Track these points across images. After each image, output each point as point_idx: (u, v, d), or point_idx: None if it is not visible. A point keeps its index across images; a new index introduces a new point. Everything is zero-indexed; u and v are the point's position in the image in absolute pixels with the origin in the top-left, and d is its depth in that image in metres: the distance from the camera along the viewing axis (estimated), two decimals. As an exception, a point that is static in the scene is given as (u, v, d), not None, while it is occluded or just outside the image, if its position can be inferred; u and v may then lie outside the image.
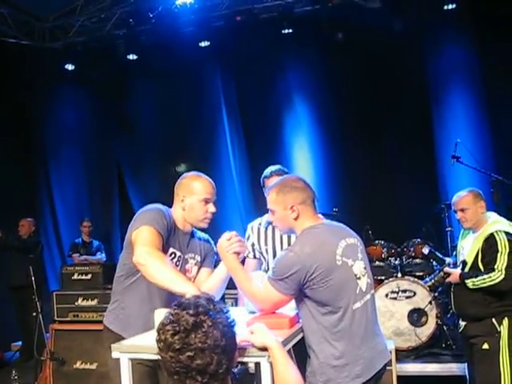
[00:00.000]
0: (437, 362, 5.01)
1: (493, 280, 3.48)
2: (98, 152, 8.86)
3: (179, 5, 7.16)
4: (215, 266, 2.95)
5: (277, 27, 7.47)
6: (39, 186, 8.70)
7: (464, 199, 3.70)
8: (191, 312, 1.55)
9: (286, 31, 7.45)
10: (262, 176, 3.57)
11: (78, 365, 5.24)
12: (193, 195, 2.82)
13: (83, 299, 5.42)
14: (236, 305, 3.59)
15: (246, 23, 7.52)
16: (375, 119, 7.40)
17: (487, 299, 3.55)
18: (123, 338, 2.74)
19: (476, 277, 3.56)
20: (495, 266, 3.49)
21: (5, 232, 6.66)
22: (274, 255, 3.48)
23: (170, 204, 2.89)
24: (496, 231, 3.55)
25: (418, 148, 7.22)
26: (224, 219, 6.67)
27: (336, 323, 2.40)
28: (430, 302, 5.23)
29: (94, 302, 5.36)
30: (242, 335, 2.04)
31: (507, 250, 3.48)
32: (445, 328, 5.32)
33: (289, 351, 2.27)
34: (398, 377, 4.52)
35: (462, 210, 3.68)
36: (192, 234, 2.96)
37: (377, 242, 5.91)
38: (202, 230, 3.02)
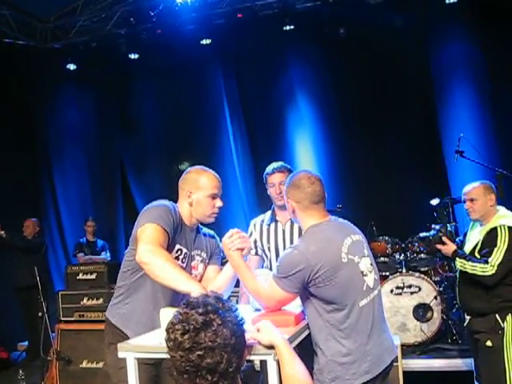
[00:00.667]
0: (443, 358, 5.00)
1: (483, 272, 3.47)
2: (101, 151, 8.87)
3: (180, 3, 7.14)
4: (223, 264, 2.93)
5: (278, 24, 7.46)
6: (43, 186, 8.71)
7: (475, 190, 3.68)
8: (200, 311, 1.55)
9: (288, 28, 7.43)
10: (265, 173, 3.56)
11: (84, 364, 5.26)
12: (199, 190, 2.78)
13: (88, 299, 5.43)
14: (238, 302, 3.57)
15: (247, 20, 7.51)
16: (378, 115, 7.37)
17: (488, 294, 3.53)
18: (124, 334, 2.74)
19: (468, 260, 3.55)
20: (489, 260, 3.47)
21: (9, 233, 6.67)
22: (277, 253, 3.47)
23: (174, 201, 2.87)
24: (500, 225, 3.52)
25: (421, 143, 7.20)
26: (228, 216, 6.66)
27: (343, 320, 2.40)
28: (435, 297, 5.22)
29: (100, 301, 5.38)
30: (248, 333, 2.04)
31: (505, 247, 3.45)
32: (450, 323, 5.31)
33: (295, 348, 2.26)
34: (404, 372, 4.51)
35: (471, 201, 3.66)
36: (198, 230, 2.93)
37: (381, 237, 5.89)
38: (206, 226, 3.01)
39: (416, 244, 5.70)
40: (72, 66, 8.26)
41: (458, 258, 3.62)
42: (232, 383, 1.55)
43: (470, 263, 3.53)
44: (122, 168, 8.95)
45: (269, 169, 3.54)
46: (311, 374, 2.34)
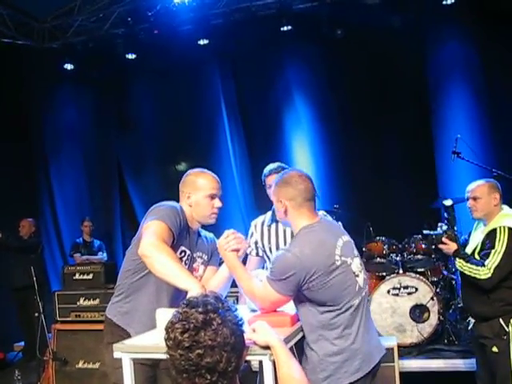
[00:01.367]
0: (439, 358, 5.00)
1: (479, 275, 3.41)
2: (98, 151, 8.86)
3: (177, 3, 7.14)
4: (220, 265, 2.95)
5: (276, 24, 7.45)
6: (40, 186, 8.70)
7: (478, 188, 3.61)
8: (200, 310, 1.55)
9: (285, 28, 7.42)
10: (263, 174, 3.57)
11: (80, 364, 5.25)
12: (198, 192, 2.82)
13: (85, 299, 5.42)
14: (237, 302, 3.58)
15: (245, 21, 7.51)
16: (376, 116, 7.38)
17: (490, 298, 3.48)
18: (126, 332, 2.74)
19: (467, 262, 3.49)
20: (485, 263, 3.41)
21: (5, 233, 6.66)
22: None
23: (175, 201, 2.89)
24: (500, 226, 3.45)
25: (418, 144, 7.21)
26: (225, 217, 6.61)
27: (335, 321, 2.41)
28: (432, 298, 5.22)
29: (96, 302, 5.37)
30: (244, 333, 2.04)
31: (503, 250, 3.38)
32: (447, 324, 5.32)
33: (291, 349, 2.27)
34: (401, 373, 4.52)
35: (474, 199, 3.59)
36: (199, 233, 2.97)
37: (378, 238, 5.89)
38: (204, 227, 3.02)
39: (413, 245, 5.70)
40: (69, 66, 8.25)
41: (458, 258, 3.56)
42: (231, 383, 1.55)
43: (468, 265, 3.48)
44: (119, 168, 8.94)
45: (266, 170, 3.54)
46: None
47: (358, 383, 2.43)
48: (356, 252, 2.57)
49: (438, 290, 5.42)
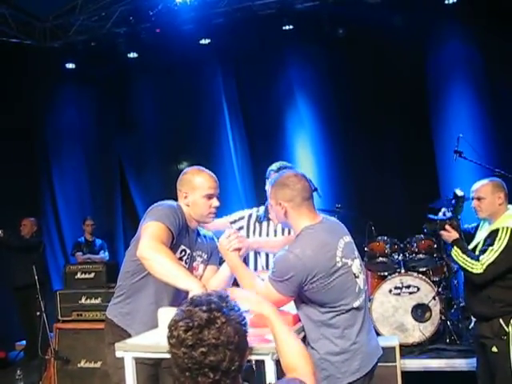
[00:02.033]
0: (441, 358, 5.00)
1: (472, 269, 3.42)
2: (99, 150, 8.87)
3: (179, 2, 7.14)
4: (220, 264, 2.94)
5: (277, 23, 7.45)
6: (41, 185, 8.70)
7: (482, 188, 3.57)
8: (204, 308, 1.55)
9: (287, 27, 7.42)
10: (270, 169, 3.53)
11: (82, 364, 5.25)
12: (195, 191, 2.79)
13: (86, 298, 5.42)
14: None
15: (247, 20, 7.51)
16: (377, 114, 7.37)
17: (491, 298, 3.47)
18: (127, 333, 2.74)
19: (464, 253, 3.49)
20: (480, 258, 3.41)
21: (7, 232, 6.66)
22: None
23: (174, 201, 2.88)
24: (503, 227, 3.44)
25: (420, 143, 7.20)
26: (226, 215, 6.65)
27: (336, 321, 2.41)
28: (434, 298, 5.22)
29: (98, 301, 5.37)
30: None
31: (500, 248, 3.37)
32: (449, 323, 5.31)
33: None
34: (403, 372, 4.52)
35: (478, 199, 3.56)
36: (198, 232, 2.96)
37: (379, 237, 5.88)
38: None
39: (415, 244, 5.69)
40: (71, 65, 8.26)
41: (455, 247, 3.54)
42: (233, 382, 1.55)
43: (464, 256, 3.47)
44: (121, 167, 8.94)
45: (276, 166, 3.49)
46: None
47: (356, 383, 2.43)
48: (356, 253, 2.57)
49: (439, 289, 5.40)
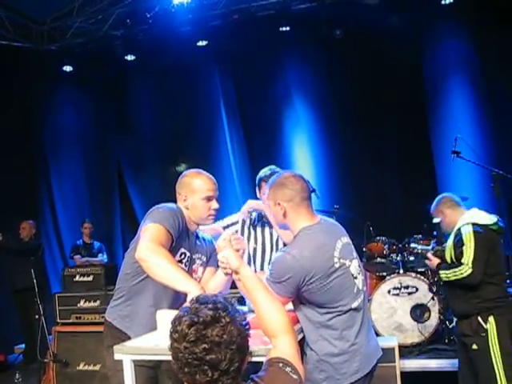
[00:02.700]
0: (440, 358, 4.99)
1: (462, 274, 3.53)
2: (97, 153, 8.86)
3: (176, 4, 7.14)
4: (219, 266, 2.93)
5: (274, 25, 7.45)
6: (40, 188, 8.68)
7: (436, 209, 3.89)
8: (210, 306, 1.56)
9: (284, 29, 7.43)
10: (259, 176, 3.53)
11: (81, 366, 5.25)
12: (194, 194, 2.79)
13: (85, 301, 5.42)
14: (242, 304, 3.55)
15: (244, 21, 7.51)
16: (375, 115, 7.38)
17: (466, 294, 3.58)
18: (126, 335, 2.74)
19: (448, 269, 3.64)
20: (462, 260, 3.54)
21: (5, 235, 6.65)
22: (263, 255, 3.43)
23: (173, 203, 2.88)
24: (462, 225, 3.64)
25: (417, 143, 7.21)
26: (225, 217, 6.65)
27: (335, 322, 2.41)
28: (433, 298, 5.22)
29: (96, 304, 5.37)
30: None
31: (472, 243, 3.53)
32: (447, 323, 5.31)
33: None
34: (402, 373, 4.52)
35: (439, 217, 3.87)
36: (197, 235, 2.96)
37: (378, 238, 5.89)
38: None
39: (413, 244, 5.70)
40: (68, 68, 8.25)
41: (441, 271, 3.73)
42: (232, 383, 1.55)
43: (451, 271, 3.61)
44: (119, 169, 8.93)
45: (264, 173, 3.48)
46: None
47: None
48: (355, 254, 2.57)
49: (438, 289, 5.40)
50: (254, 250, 3.47)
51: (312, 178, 6.35)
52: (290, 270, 2.33)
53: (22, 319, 6.79)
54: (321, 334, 2.42)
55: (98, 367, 5.15)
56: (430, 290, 5.23)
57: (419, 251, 4.22)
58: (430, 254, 3.91)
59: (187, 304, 1.63)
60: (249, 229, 3.48)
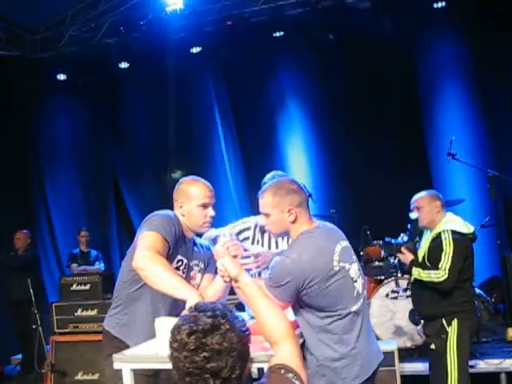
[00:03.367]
0: (440, 361, 4.99)
1: (437, 278, 3.55)
2: (92, 161, 8.84)
3: (169, 11, 7.14)
4: (217, 273, 2.92)
5: (268, 30, 7.47)
6: (35, 197, 8.65)
7: (420, 199, 3.84)
8: (209, 314, 1.55)
9: (278, 34, 7.45)
10: (264, 182, 3.48)
11: (79, 376, 5.22)
12: (190, 201, 2.78)
13: (83, 309, 5.40)
14: (241, 310, 3.52)
15: (237, 27, 7.51)
16: (370, 119, 7.39)
17: (434, 298, 3.63)
18: (125, 344, 2.72)
19: (423, 269, 3.65)
20: (439, 265, 3.56)
21: (3, 252, 6.60)
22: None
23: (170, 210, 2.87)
24: (443, 230, 3.64)
25: (413, 147, 7.23)
26: (220, 223, 6.63)
27: (334, 326, 2.40)
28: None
29: (94, 312, 5.35)
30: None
31: (451, 250, 3.56)
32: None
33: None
34: (402, 376, 4.51)
35: (418, 209, 3.81)
36: (194, 241, 2.94)
37: (375, 241, 5.89)
38: (200, 234, 3.00)
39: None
40: (62, 77, 8.23)
41: (414, 267, 3.73)
42: None
43: (425, 271, 3.63)
44: (115, 177, 8.92)
45: (269, 179, 3.36)
46: None
47: None
48: (354, 257, 2.56)
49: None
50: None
51: (308, 183, 6.33)
52: (289, 274, 2.33)
53: (19, 329, 6.74)
54: (320, 339, 2.41)
55: (96, 376, 5.12)
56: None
57: (393, 245, 4.18)
58: (404, 249, 3.89)
59: (186, 312, 1.62)
60: (258, 234, 3.40)
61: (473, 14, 6.81)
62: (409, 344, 5.24)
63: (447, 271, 3.52)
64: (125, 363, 2.37)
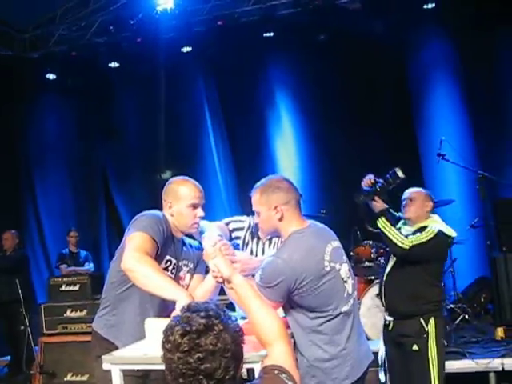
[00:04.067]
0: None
1: (400, 242, 3.42)
2: (82, 161, 8.79)
3: (160, 11, 7.12)
4: (207, 273, 2.91)
5: (258, 30, 7.47)
6: (24, 197, 8.60)
7: (416, 192, 3.76)
8: (202, 314, 1.53)
9: (268, 34, 7.45)
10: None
11: (68, 377, 5.18)
12: (180, 201, 2.77)
13: (72, 310, 5.36)
14: (232, 310, 3.49)
15: (228, 27, 7.51)
16: (360, 119, 7.41)
17: (417, 295, 3.53)
18: (114, 345, 2.71)
19: (392, 226, 3.49)
20: (409, 237, 3.47)
21: None
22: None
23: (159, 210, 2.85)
24: (431, 225, 3.58)
25: (403, 147, 7.24)
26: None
27: (325, 327, 2.40)
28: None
29: (83, 313, 5.31)
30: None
31: (427, 239, 3.47)
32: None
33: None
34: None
35: (410, 199, 3.71)
36: (183, 241, 2.93)
37: (365, 242, 5.89)
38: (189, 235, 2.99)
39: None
40: (51, 76, 8.18)
41: (383, 217, 3.51)
42: None
43: (392, 229, 3.47)
44: (104, 177, 8.88)
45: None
46: None
47: None
48: (345, 258, 2.56)
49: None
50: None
51: (297, 182, 6.28)
52: (281, 274, 2.32)
53: (7, 331, 6.68)
54: (311, 339, 2.41)
55: (85, 377, 5.09)
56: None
57: (366, 193, 3.77)
58: (378, 198, 3.59)
59: (178, 313, 1.60)
60: (248, 237, 3.34)
61: (462, 14, 6.85)
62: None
63: (411, 245, 3.41)
64: (114, 364, 2.36)
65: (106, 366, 2.36)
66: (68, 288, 5.57)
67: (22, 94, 8.19)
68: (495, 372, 4.56)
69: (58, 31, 8.00)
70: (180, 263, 2.87)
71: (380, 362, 4.13)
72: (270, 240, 3.12)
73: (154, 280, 2.46)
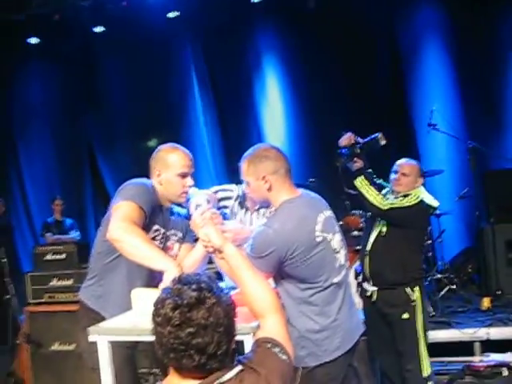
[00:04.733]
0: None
1: (376, 200, 3.41)
2: (67, 128, 8.63)
3: (146, -27, 6.92)
4: (195, 242, 2.86)
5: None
6: (8, 166, 8.48)
7: (410, 167, 3.72)
8: (194, 287, 1.48)
9: (256, 0, 7.28)
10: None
11: (55, 346, 5.14)
12: (169, 169, 2.69)
13: (58, 279, 5.30)
14: (220, 279, 3.44)
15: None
16: (348, 87, 7.33)
17: (403, 263, 3.52)
18: (101, 316, 2.67)
19: (371, 185, 3.46)
20: (390, 200, 3.47)
21: None
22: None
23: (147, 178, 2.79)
24: (415, 192, 3.57)
25: (393, 116, 7.17)
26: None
27: (316, 298, 2.38)
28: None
29: (70, 282, 5.25)
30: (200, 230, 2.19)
31: (407, 205, 3.46)
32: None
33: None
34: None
35: (403, 174, 3.67)
36: (171, 210, 2.87)
37: (354, 211, 5.88)
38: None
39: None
40: (34, 40, 7.96)
41: (362, 176, 3.46)
42: (220, 366, 1.48)
43: (372, 189, 3.44)
44: (89, 145, 8.76)
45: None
46: None
47: (338, 360, 2.41)
48: (337, 228, 2.53)
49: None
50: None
51: (285, 151, 6.26)
52: (272, 244, 2.28)
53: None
54: (301, 310, 2.39)
55: (72, 347, 5.05)
56: None
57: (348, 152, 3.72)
58: (357, 158, 3.58)
59: (168, 284, 1.55)
60: (237, 206, 3.28)
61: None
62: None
63: (388, 207, 3.41)
64: (102, 335, 2.32)
65: (93, 338, 2.32)
66: (54, 257, 5.50)
67: (3, 59, 7.96)
68: (480, 341, 4.61)
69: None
70: (168, 232, 2.82)
71: None
72: (258, 210, 3.07)
73: (142, 250, 2.41)
